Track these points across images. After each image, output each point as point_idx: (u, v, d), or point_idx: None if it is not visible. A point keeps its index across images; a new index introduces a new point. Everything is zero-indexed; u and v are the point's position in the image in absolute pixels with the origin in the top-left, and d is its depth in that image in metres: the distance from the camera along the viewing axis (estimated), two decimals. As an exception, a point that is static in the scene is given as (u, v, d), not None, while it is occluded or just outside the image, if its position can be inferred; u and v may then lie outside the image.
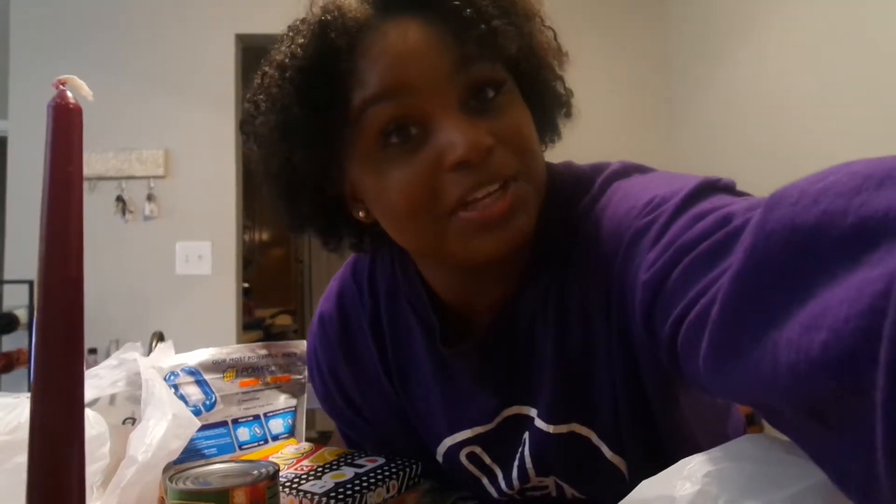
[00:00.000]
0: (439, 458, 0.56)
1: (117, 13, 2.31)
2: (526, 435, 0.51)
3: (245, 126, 0.49)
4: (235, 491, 0.38)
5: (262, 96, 0.46)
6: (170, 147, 2.27)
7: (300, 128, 0.44)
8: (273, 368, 0.67)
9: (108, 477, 0.48)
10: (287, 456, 0.56)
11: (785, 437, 0.30)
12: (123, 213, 2.21)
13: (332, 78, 0.43)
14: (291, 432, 0.65)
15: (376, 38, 0.43)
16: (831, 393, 0.23)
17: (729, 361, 0.29)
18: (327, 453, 0.56)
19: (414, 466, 0.54)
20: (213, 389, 0.61)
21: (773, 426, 0.30)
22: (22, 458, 0.24)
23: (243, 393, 0.63)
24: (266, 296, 4.19)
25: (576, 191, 0.48)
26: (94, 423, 0.50)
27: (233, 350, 0.65)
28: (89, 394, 0.54)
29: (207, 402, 0.60)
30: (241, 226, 2.36)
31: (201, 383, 0.61)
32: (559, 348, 0.47)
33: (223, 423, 0.60)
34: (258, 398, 0.64)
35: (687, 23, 2.32)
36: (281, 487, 0.47)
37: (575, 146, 0.57)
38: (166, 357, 0.61)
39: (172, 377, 0.60)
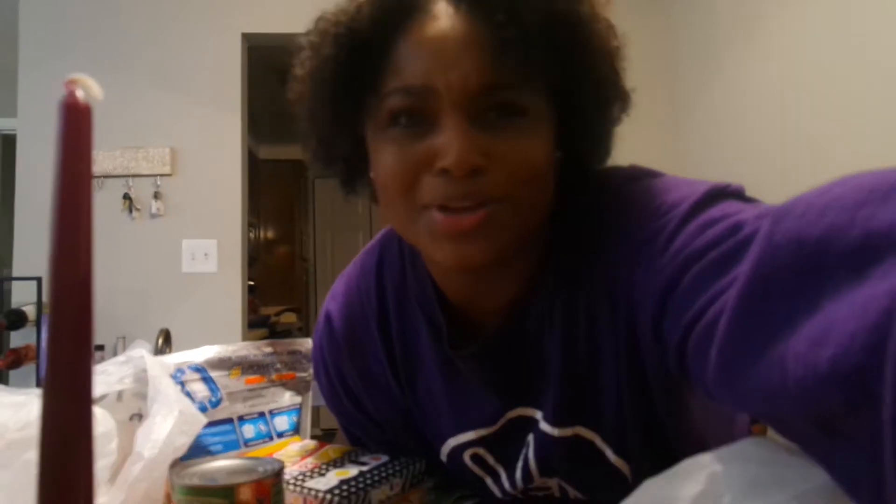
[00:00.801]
0: (443, 457, 0.56)
1: (124, 12, 2.31)
2: (530, 437, 0.51)
3: (294, 60, 0.49)
4: (241, 488, 0.38)
5: (312, 38, 0.46)
6: (176, 145, 2.26)
7: (332, 82, 0.45)
8: (278, 366, 0.67)
9: (114, 473, 0.49)
10: (291, 453, 0.56)
11: (789, 439, 0.31)
12: (130, 210, 2.21)
13: (372, 49, 0.43)
14: (296, 430, 0.65)
15: (424, 22, 0.42)
16: (840, 407, 0.23)
17: (738, 374, 0.29)
18: (332, 451, 0.56)
19: (418, 464, 0.54)
20: (219, 386, 0.61)
21: (782, 435, 0.30)
22: (32, 455, 0.24)
23: (248, 390, 0.63)
24: (270, 293, 4.20)
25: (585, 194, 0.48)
26: (102, 420, 0.51)
27: (238, 347, 0.66)
28: (97, 390, 0.54)
29: (213, 399, 0.60)
30: (247, 224, 2.36)
31: (207, 380, 0.61)
32: (566, 352, 0.47)
33: (228, 420, 0.61)
34: (263, 395, 0.65)
35: (690, 25, 2.32)
36: (285, 484, 0.47)
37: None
38: (172, 356, 0.61)
39: (179, 374, 0.60)
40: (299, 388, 0.67)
